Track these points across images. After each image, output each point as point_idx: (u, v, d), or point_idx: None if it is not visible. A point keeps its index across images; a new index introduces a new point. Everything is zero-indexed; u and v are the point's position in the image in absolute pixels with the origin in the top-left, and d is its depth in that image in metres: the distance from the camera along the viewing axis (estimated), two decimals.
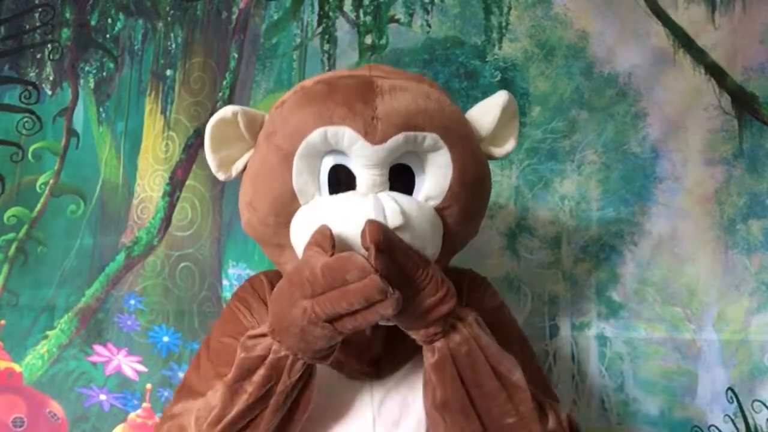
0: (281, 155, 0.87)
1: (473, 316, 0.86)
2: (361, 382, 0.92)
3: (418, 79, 0.94)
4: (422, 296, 0.81)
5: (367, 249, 0.79)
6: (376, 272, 0.76)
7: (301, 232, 0.86)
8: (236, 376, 0.84)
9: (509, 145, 0.97)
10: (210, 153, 0.92)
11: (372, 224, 0.79)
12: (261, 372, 0.82)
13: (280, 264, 0.96)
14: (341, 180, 0.87)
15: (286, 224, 0.89)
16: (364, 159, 0.85)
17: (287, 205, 0.88)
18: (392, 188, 0.87)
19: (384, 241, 0.78)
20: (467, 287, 1.00)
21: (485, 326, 0.87)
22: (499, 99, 0.94)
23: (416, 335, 0.84)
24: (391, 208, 0.82)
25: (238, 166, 0.93)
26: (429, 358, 0.84)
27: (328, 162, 0.87)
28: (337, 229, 0.82)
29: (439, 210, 0.89)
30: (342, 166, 0.87)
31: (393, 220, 0.81)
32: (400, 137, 0.85)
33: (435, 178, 0.88)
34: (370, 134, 0.84)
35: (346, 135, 0.84)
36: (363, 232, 0.79)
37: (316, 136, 0.85)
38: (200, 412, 0.86)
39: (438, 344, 0.83)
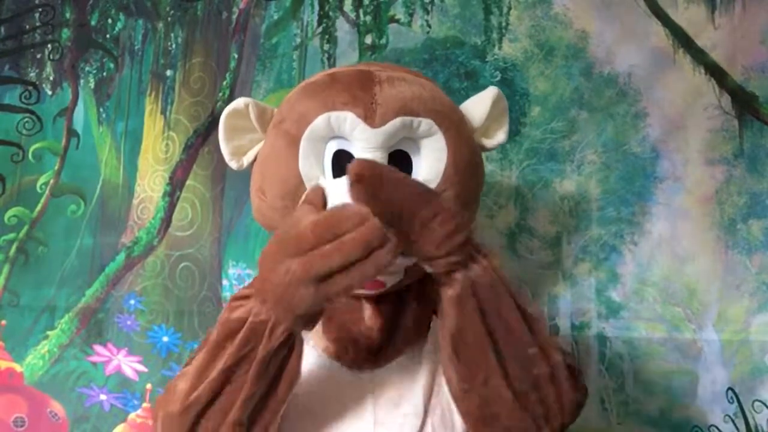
0: (289, 140, 0.92)
1: (488, 249, 0.85)
2: (360, 367, 0.93)
3: (414, 74, 1.01)
4: (431, 227, 0.80)
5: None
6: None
7: None
8: (218, 336, 0.83)
9: (499, 138, 1.02)
10: (224, 142, 0.99)
11: (356, 161, 0.80)
12: (240, 335, 0.80)
13: None
14: (344, 164, 0.87)
15: (293, 208, 0.90)
16: (365, 142, 0.89)
17: (294, 188, 0.91)
18: None
19: (369, 175, 0.78)
20: None
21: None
22: (489, 93, 1.00)
23: (435, 266, 0.82)
24: None
25: (250, 156, 0.99)
26: (447, 291, 0.82)
27: (332, 147, 0.92)
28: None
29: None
30: (345, 152, 0.91)
31: None
32: (397, 121, 0.89)
33: (430, 161, 0.92)
34: (370, 118, 0.89)
35: (348, 119, 0.89)
36: (347, 169, 0.79)
37: (320, 121, 0.90)
38: (187, 369, 0.86)
39: (458, 275, 0.81)
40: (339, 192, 0.85)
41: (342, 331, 0.91)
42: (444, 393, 0.91)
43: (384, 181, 0.80)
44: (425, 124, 0.91)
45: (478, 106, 1.00)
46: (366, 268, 0.74)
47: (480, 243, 0.85)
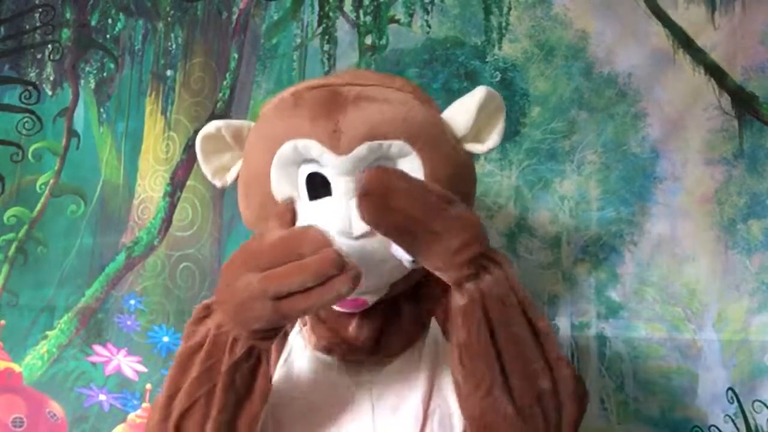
0: (261, 165, 0.90)
1: (504, 256, 0.85)
2: (358, 370, 0.92)
3: (389, 83, 0.94)
4: (447, 238, 0.79)
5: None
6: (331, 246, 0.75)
7: None
8: (184, 349, 0.84)
9: (491, 141, 0.95)
10: (203, 164, 0.98)
11: (366, 172, 0.79)
12: (205, 347, 0.81)
13: None
14: (319, 186, 0.88)
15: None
16: (334, 168, 0.86)
17: (273, 209, 0.90)
18: None
19: (377, 189, 0.77)
20: None
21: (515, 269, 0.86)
22: (475, 96, 0.92)
23: (445, 277, 0.82)
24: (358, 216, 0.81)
25: (233, 173, 0.97)
26: (457, 299, 0.81)
27: (305, 170, 0.89)
28: None
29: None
30: (319, 173, 0.88)
31: (358, 230, 0.82)
32: (363, 147, 0.86)
33: None
34: (334, 146, 0.85)
35: (313, 147, 0.86)
36: (356, 179, 0.79)
37: (287, 148, 0.87)
38: (165, 383, 0.87)
39: (468, 285, 0.81)
40: (312, 215, 0.85)
41: (333, 335, 0.91)
42: (443, 396, 0.91)
43: (393, 194, 0.78)
44: (396, 146, 0.87)
45: (462, 112, 0.93)
46: (324, 294, 0.74)
47: (496, 250, 0.85)
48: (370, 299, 0.89)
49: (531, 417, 0.82)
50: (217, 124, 0.95)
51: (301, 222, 0.85)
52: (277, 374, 0.93)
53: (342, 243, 0.79)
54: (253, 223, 0.96)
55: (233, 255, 0.82)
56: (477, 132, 0.94)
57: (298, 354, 0.96)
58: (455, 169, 0.92)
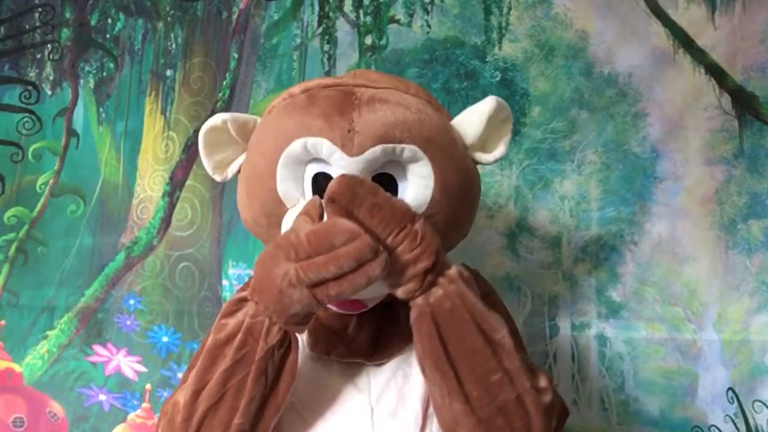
0: (268, 161, 0.90)
1: (457, 271, 0.85)
2: (357, 372, 0.92)
3: (403, 88, 0.94)
4: (396, 253, 0.81)
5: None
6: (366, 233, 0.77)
7: None
8: (215, 341, 0.85)
9: (498, 152, 0.96)
10: (205, 158, 0.97)
11: (335, 179, 0.82)
12: (239, 336, 0.83)
13: None
14: (325, 187, 0.87)
15: (277, 225, 0.91)
16: (343, 169, 0.86)
17: (275, 208, 0.91)
18: None
19: (343, 196, 0.80)
20: None
21: (473, 283, 0.87)
22: (485, 106, 0.93)
23: (396, 292, 0.84)
24: None
25: (233, 168, 0.98)
26: (412, 314, 0.84)
27: (312, 169, 0.89)
28: None
29: (424, 218, 0.88)
30: (325, 174, 0.88)
31: None
32: (377, 149, 0.86)
33: (417, 187, 0.89)
34: (347, 146, 0.86)
35: (324, 146, 0.86)
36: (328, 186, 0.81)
37: (296, 146, 0.88)
38: (186, 380, 0.88)
39: (418, 300, 0.83)
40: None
41: (328, 328, 0.92)
42: None
43: (358, 205, 0.81)
44: (408, 150, 0.87)
45: (472, 122, 0.94)
46: (357, 279, 0.78)
47: (453, 266, 0.85)
48: (370, 303, 0.90)
49: (497, 428, 0.82)
50: (222, 116, 0.94)
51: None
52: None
53: None
54: (251, 221, 0.96)
55: (266, 250, 0.84)
56: (484, 141, 0.95)
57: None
58: (464, 176, 0.93)
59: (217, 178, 0.98)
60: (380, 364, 0.92)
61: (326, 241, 0.78)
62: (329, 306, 0.88)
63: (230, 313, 0.86)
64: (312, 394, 0.91)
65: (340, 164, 0.86)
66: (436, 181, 0.88)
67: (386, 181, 0.89)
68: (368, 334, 0.92)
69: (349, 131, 0.86)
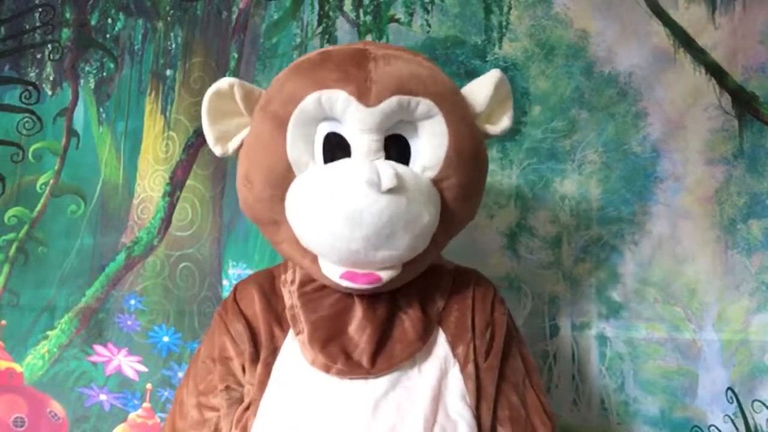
0: (276, 123, 0.87)
1: None
2: (355, 386, 0.88)
3: (413, 53, 0.95)
4: None
5: None
6: None
7: (296, 205, 0.86)
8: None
9: (504, 123, 0.96)
10: (207, 126, 0.93)
11: None
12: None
13: (276, 243, 0.94)
14: (336, 149, 0.86)
15: (282, 198, 0.88)
16: (359, 123, 0.84)
17: (282, 176, 0.87)
18: (388, 158, 0.86)
19: None
20: (473, 285, 0.99)
21: None
22: (491, 76, 0.94)
23: None
24: (386, 170, 0.81)
25: (235, 141, 0.94)
26: None
27: (323, 129, 0.87)
28: (330, 197, 0.81)
29: (436, 182, 0.88)
30: (337, 135, 0.87)
31: (387, 182, 0.80)
32: (393, 100, 0.85)
33: (430, 146, 0.87)
34: (364, 96, 0.84)
35: (340, 98, 0.84)
36: None
37: (310, 101, 0.86)
38: (180, 399, 0.92)
39: None
40: (327, 176, 0.83)
41: (326, 341, 0.88)
42: (447, 414, 0.87)
43: None
44: (424, 105, 0.86)
45: (480, 90, 0.94)
46: None
47: None
48: (385, 275, 0.86)
49: None
50: (230, 80, 0.91)
51: (314, 185, 0.84)
52: (270, 390, 0.90)
53: (370, 198, 0.79)
54: (253, 200, 0.91)
55: None
56: (490, 113, 0.95)
57: (292, 369, 0.91)
58: (477, 142, 0.92)
59: (218, 151, 0.94)
60: (380, 376, 0.88)
61: None
62: (344, 284, 0.86)
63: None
64: (307, 409, 0.88)
65: (355, 117, 0.84)
66: (450, 139, 0.87)
67: (398, 143, 0.87)
68: (370, 338, 0.89)
69: (366, 81, 0.84)
